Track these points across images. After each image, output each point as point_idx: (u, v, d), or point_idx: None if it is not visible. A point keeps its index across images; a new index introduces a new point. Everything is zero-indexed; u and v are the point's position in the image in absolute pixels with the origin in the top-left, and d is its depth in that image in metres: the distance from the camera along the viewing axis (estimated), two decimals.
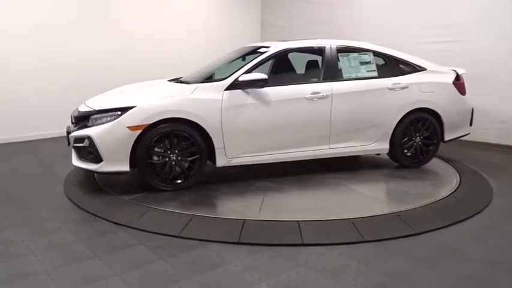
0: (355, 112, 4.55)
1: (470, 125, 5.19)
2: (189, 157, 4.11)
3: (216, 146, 4.13)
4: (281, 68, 4.95)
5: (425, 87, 4.80)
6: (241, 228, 3.24)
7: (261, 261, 2.82)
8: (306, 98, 4.37)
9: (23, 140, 6.63)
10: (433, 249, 2.99)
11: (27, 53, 6.53)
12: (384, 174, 4.68)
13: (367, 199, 4.03)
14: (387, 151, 4.82)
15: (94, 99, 4.52)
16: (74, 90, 6.66)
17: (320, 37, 5.10)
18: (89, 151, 3.98)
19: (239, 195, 4.10)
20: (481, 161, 5.21)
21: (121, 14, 7.51)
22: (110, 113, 3.98)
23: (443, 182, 4.45)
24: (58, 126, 6.25)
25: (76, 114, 4.29)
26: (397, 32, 6.91)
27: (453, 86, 4.95)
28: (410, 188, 4.20)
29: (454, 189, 4.18)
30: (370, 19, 7.40)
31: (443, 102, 4.85)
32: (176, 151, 4.06)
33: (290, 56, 4.91)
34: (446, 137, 4.99)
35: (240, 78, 4.18)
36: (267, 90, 4.28)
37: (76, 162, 4.18)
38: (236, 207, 3.79)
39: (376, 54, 4.81)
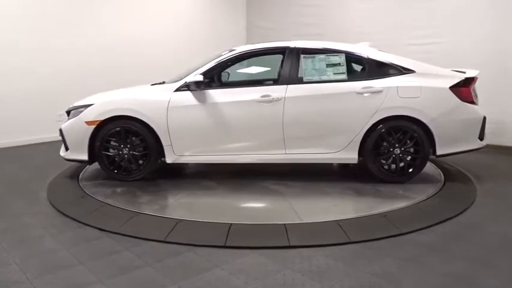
0: (313, 117, 4.31)
1: (481, 138, 4.42)
2: (140, 152, 4.50)
3: (163, 143, 4.44)
4: (239, 70, 5.02)
5: (406, 92, 4.25)
6: (228, 232, 3.23)
7: (248, 264, 2.81)
8: (256, 101, 4.33)
9: (15, 145, 6.63)
10: (418, 248, 3.01)
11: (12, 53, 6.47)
12: (369, 175, 4.52)
13: (353, 200, 4.05)
14: (355, 161, 4.41)
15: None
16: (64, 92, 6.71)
17: (308, 39, 5.06)
18: (63, 141, 4.65)
19: (226, 198, 4.10)
20: (465, 161, 5.19)
21: (106, 17, 7.50)
22: (79, 109, 4.58)
23: (428, 182, 4.46)
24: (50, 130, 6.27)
25: (66, 110, 4.80)
26: (387, 33, 7.01)
27: (450, 91, 4.28)
28: (395, 189, 4.22)
29: (438, 190, 4.22)
30: (360, 21, 7.49)
31: (432, 110, 4.23)
32: (128, 146, 4.47)
33: (253, 58, 4.89)
34: (440, 151, 4.32)
35: (187, 80, 4.38)
36: (216, 92, 4.43)
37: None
38: (223, 210, 3.77)
39: (351, 56, 4.49)
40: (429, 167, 4.94)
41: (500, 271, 2.67)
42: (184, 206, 3.94)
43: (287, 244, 3.06)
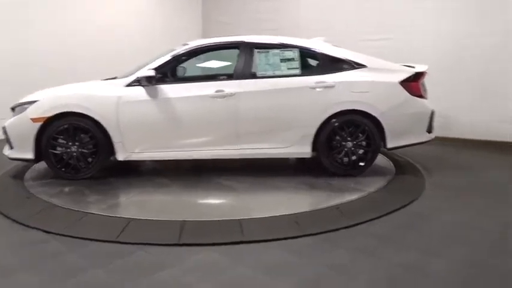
0: (266, 112, 4.30)
1: (429, 131, 4.60)
2: (90, 149, 4.34)
3: (114, 140, 4.30)
4: (194, 65, 4.96)
5: (358, 87, 4.33)
6: (181, 229, 3.16)
7: (202, 261, 2.76)
8: (209, 96, 4.28)
9: None
10: (370, 239, 3.07)
11: None
12: (322, 169, 4.54)
13: (306, 194, 4.09)
14: (309, 155, 4.45)
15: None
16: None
17: (264, 34, 5.02)
18: (7, 139, 4.43)
19: (179, 195, 4.03)
20: (415, 153, 5.32)
21: (56, 12, 7.15)
22: (24, 106, 4.36)
23: (379, 174, 4.56)
24: None
25: (11, 106, 4.57)
26: (341, 29, 7.12)
27: (400, 86, 4.38)
28: (347, 182, 4.29)
29: (389, 182, 4.33)
30: (316, 16, 7.56)
31: (383, 104, 4.33)
32: (77, 143, 4.30)
33: (207, 53, 4.85)
34: (390, 144, 4.42)
35: (138, 75, 4.28)
36: (168, 87, 4.34)
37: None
38: (176, 208, 3.70)
39: (305, 50, 4.50)
40: (381, 160, 5.06)
41: (449, 260, 2.76)
42: (136, 204, 3.83)
43: (241, 239, 3.03)
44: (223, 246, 2.95)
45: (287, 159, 5.17)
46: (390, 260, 2.76)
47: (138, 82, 4.29)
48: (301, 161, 5.16)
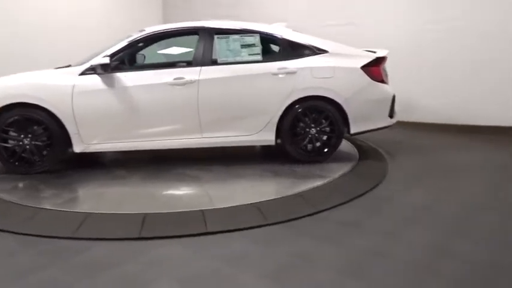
0: (228, 99, 4.23)
1: (391, 116, 4.59)
2: (44, 142, 4.12)
3: (69, 131, 4.11)
4: (150, 52, 4.81)
5: (320, 72, 4.29)
6: (142, 223, 3.06)
7: (163, 255, 2.67)
8: (168, 84, 4.15)
9: None
10: (334, 226, 3.06)
11: None
12: (286, 156, 4.51)
13: (270, 182, 4.05)
14: (273, 143, 4.38)
15: None
16: None
17: (228, 20, 4.90)
18: None
19: (140, 187, 3.91)
20: (378, 138, 5.35)
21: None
22: None
23: (343, 160, 4.56)
24: None
25: None
26: (303, 14, 7.06)
27: (362, 71, 4.36)
28: (312, 169, 4.27)
29: (352, 167, 4.34)
30: (278, 1, 7.45)
31: (345, 90, 4.30)
32: (29, 136, 4.08)
33: (166, 39, 4.71)
34: (354, 129, 4.41)
35: (92, 63, 4.09)
36: (125, 75, 4.17)
37: None
38: (137, 200, 3.57)
39: (266, 36, 4.42)
40: (345, 145, 5.08)
41: (412, 244, 2.78)
42: (94, 197, 3.68)
43: (204, 231, 2.96)
44: (185, 239, 2.87)
45: (254, 146, 5.11)
46: (354, 246, 2.76)
47: (92, 70, 4.10)
48: (267, 148, 5.11)
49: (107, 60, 4.03)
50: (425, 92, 6.33)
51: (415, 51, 6.30)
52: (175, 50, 4.95)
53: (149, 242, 2.85)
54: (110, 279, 2.40)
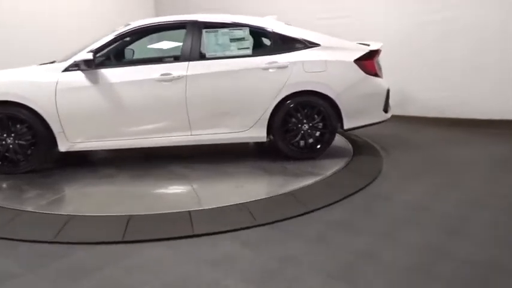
0: (217, 95, 4.09)
1: (385, 110, 4.46)
2: (28, 141, 4.01)
3: (54, 130, 4.00)
4: (136, 47, 4.68)
5: (312, 67, 4.14)
6: (126, 225, 2.94)
7: (147, 259, 2.57)
8: (155, 80, 4.02)
9: None
10: (326, 226, 2.95)
11: None
12: (276, 153, 4.39)
13: (261, 180, 3.94)
14: (264, 139, 4.25)
15: None
16: None
17: (220, 12, 4.74)
18: None
19: (126, 186, 3.80)
20: (373, 132, 5.20)
21: None
22: None
23: (337, 156, 4.44)
24: None
25: None
26: (295, 6, 6.90)
27: (355, 64, 4.22)
28: (304, 166, 4.15)
29: (346, 164, 4.23)
30: None
31: (338, 84, 4.16)
32: (12, 135, 3.98)
33: (153, 33, 4.59)
34: (347, 125, 4.28)
35: (76, 59, 3.97)
36: (110, 71, 4.03)
37: None
38: (122, 201, 3.45)
39: (256, 30, 4.28)
40: (339, 140, 4.97)
41: (405, 245, 2.68)
42: (78, 199, 3.58)
43: (191, 233, 2.85)
44: (170, 242, 2.76)
45: (244, 143, 4.98)
46: (346, 248, 2.65)
47: (76, 66, 3.97)
48: (258, 145, 5.00)
49: (90, 56, 3.89)
50: (421, 85, 6.22)
51: (411, 45, 6.17)
52: (162, 45, 4.82)
53: (133, 245, 2.74)
54: (90, 286, 2.29)
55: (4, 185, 3.85)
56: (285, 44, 4.27)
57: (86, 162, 4.59)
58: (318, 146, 4.33)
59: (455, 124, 5.87)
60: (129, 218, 3.04)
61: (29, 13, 6.93)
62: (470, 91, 5.82)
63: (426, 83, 6.17)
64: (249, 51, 4.20)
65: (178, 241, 2.78)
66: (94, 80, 3.98)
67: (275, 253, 2.60)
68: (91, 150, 4.37)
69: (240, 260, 2.53)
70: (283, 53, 4.21)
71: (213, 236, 2.83)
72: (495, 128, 5.56)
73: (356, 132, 5.04)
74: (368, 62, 4.30)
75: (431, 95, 6.15)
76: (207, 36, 4.17)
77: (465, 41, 5.75)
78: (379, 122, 4.50)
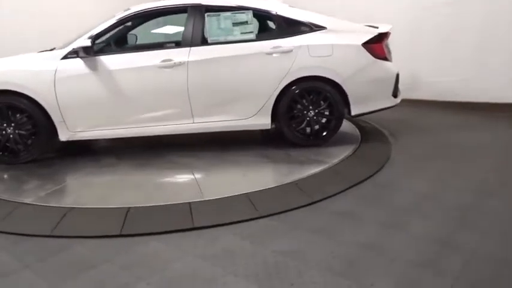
0: (220, 81, 3.96)
1: (395, 95, 4.29)
2: (28, 130, 3.94)
3: (54, 119, 3.91)
4: (136, 33, 4.56)
5: (318, 51, 3.98)
6: (125, 218, 2.87)
7: (145, 254, 2.49)
8: (156, 67, 3.89)
9: None
10: (330, 217, 2.85)
11: None
12: (281, 141, 4.28)
13: (264, 169, 3.84)
14: (269, 127, 4.13)
15: None
16: None
17: None
18: None
19: (127, 176, 3.73)
20: (381, 117, 5.01)
21: None
22: None
23: (344, 143, 4.31)
24: None
25: None
26: None
27: (363, 48, 4.05)
28: (309, 153, 4.03)
29: (353, 151, 4.10)
30: None
31: (345, 69, 4.01)
32: (12, 124, 3.90)
33: (153, 18, 4.44)
34: (354, 111, 4.14)
35: (74, 46, 3.85)
36: (110, 58, 3.92)
37: None
38: (122, 192, 3.38)
39: (259, 12, 4.12)
40: (346, 126, 4.84)
41: (411, 236, 2.57)
42: (78, 189, 3.51)
43: (191, 226, 2.76)
44: (169, 235, 2.68)
45: (248, 130, 4.86)
46: (351, 241, 2.55)
47: (75, 54, 3.86)
48: (263, 132, 4.87)
49: (88, 43, 3.78)
50: (431, 69, 6.02)
51: (421, 27, 5.95)
52: (163, 30, 4.68)
53: (130, 239, 2.67)
54: (83, 283, 2.22)
55: (5, 176, 3.81)
56: (290, 27, 4.11)
57: (87, 152, 4.52)
58: (324, 133, 4.20)
59: (466, 108, 5.70)
60: (128, 210, 2.96)
61: (29, 13, 6.83)
62: (481, 75, 5.62)
63: (436, 67, 5.97)
64: (253, 36, 4.06)
65: (177, 234, 2.70)
66: (93, 68, 3.88)
67: (277, 247, 2.51)
68: (92, 140, 4.28)
69: (240, 255, 2.44)
70: (287, 36, 4.06)
71: (213, 229, 2.74)
72: (506, 112, 5.36)
73: (364, 117, 4.88)
74: (377, 45, 4.12)
75: (441, 79, 5.95)
76: (209, 20, 4.03)
77: (475, 24, 5.53)
78: (388, 108, 4.34)
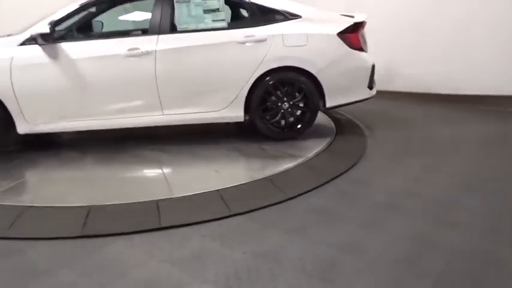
0: (190, 72, 3.79)
1: (370, 87, 4.19)
2: None
3: (11, 111, 3.67)
4: (101, 20, 4.35)
5: (292, 40, 3.85)
6: (86, 218, 2.67)
7: (107, 258, 2.30)
8: (123, 55, 3.68)
9: None
10: (305, 215, 2.72)
11: None
12: (254, 134, 4.14)
13: (237, 164, 3.69)
14: (242, 119, 3.99)
15: None
16: None
17: None
18: None
19: (90, 172, 3.51)
20: (357, 109, 4.87)
21: None
22: None
23: (319, 136, 4.20)
24: None
25: None
26: None
27: (338, 38, 3.94)
28: (283, 147, 3.91)
29: (328, 144, 3.99)
30: None
31: (320, 59, 3.89)
32: None
33: (119, 4, 4.20)
34: (330, 103, 4.02)
35: (32, 32, 3.58)
36: (72, 45, 3.69)
37: None
38: (84, 189, 3.17)
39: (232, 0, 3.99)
40: (321, 118, 4.72)
41: (390, 235, 2.47)
42: (36, 186, 3.29)
43: (157, 226, 2.58)
44: (133, 236, 2.50)
45: (221, 122, 4.69)
46: (326, 240, 2.42)
47: (33, 40, 3.59)
48: (235, 124, 4.71)
49: (47, 29, 3.52)
50: (405, 60, 5.97)
51: (395, 17, 5.88)
52: (129, 17, 4.44)
53: (92, 241, 2.47)
54: None
55: None
56: (263, 15, 3.95)
57: (48, 146, 4.25)
58: (299, 126, 4.07)
59: (443, 100, 5.68)
60: (90, 209, 2.76)
61: (29, 14, 6.38)
62: (460, 67, 5.60)
63: (411, 58, 5.92)
64: (224, 24, 3.88)
65: (143, 235, 2.52)
66: (54, 56, 3.63)
67: (250, 248, 2.36)
68: (54, 133, 4.02)
69: (210, 258, 2.28)
70: (261, 25, 3.90)
71: (181, 229, 2.57)
72: (486, 105, 5.36)
73: (339, 109, 4.78)
74: (352, 35, 4.00)
75: (418, 70, 5.91)
76: (178, 6, 3.82)
77: (452, 15, 5.49)
78: (364, 100, 4.24)
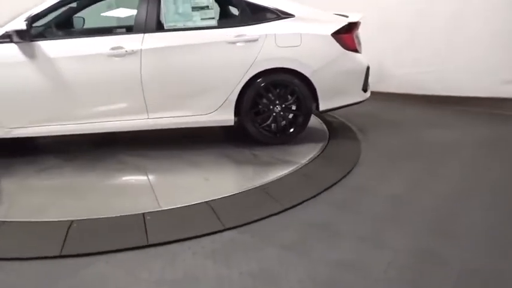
0: (178, 73, 3.60)
1: (365, 90, 4.03)
2: None
3: None
4: (82, 16, 4.14)
5: (285, 40, 3.67)
6: (66, 234, 2.45)
7: (88, 280, 2.10)
8: (105, 55, 3.47)
9: None
10: (303, 228, 2.55)
11: None
12: (245, 138, 3.95)
13: (228, 172, 3.51)
14: (232, 123, 3.79)
15: None
16: None
17: None
18: None
19: (71, 181, 3.28)
20: (349, 111, 4.55)
21: None
22: None
23: (312, 141, 4.02)
24: None
25: None
26: None
27: (332, 38, 3.76)
28: (276, 153, 3.72)
29: (322, 150, 3.82)
30: None
31: (314, 61, 3.73)
32: None
33: (102, 0, 3.93)
34: (323, 106, 3.86)
35: (8, 29, 3.33)
36: (51, 44, 3.45)
37: None
38: (64, 201, 2.93)
39: None
40: (313, 122, 4.55)
41: (390, 249, 2.31)
42: (10, 199, 3.03)
43: (144, 243, 2.38)
44: (119, 255, 2.30)
45: (210, 126, 4.49)
46: (326, 257, 2.26)
47: (8, 38, 3.34)
48: (225, 128, 4.51)
49: (23, 26, 3.27)
50: (398, 61, 5.85)
51: (385, 17, 5.75)
52: (113, 13, 4.20)
53: (72, 261, 2.26)
54: None
55: None
56: (255, 14, 3.75)
57: (24, 152, 3.98)
58: (291, 130, 3.90)
59: (433, 101, 5.56)
60: (70, 224, 2.54)
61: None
62: (452, 68, 5.49)
63: (403, 59, 5.80)
64: (214, 22, 3.68)
65: (129, 254, 2.32)
66: (31, 55, 3.38)
67: (246, 267, 2.18)
68: (31, 137, 3.77)
69: (202, 279, 2.10)
70: (252, 24, 3.70)
71: (171, 246, 2.38)
72: (478, 106, 5.26)
73: (331, 112, 4.61)
74: (347, 35, 3.83)
75: (410, 71, 5.80)
76: (165, 3, 3.61)
77: (442, 16, 5.39)
78: (358, 103, 4.09)
